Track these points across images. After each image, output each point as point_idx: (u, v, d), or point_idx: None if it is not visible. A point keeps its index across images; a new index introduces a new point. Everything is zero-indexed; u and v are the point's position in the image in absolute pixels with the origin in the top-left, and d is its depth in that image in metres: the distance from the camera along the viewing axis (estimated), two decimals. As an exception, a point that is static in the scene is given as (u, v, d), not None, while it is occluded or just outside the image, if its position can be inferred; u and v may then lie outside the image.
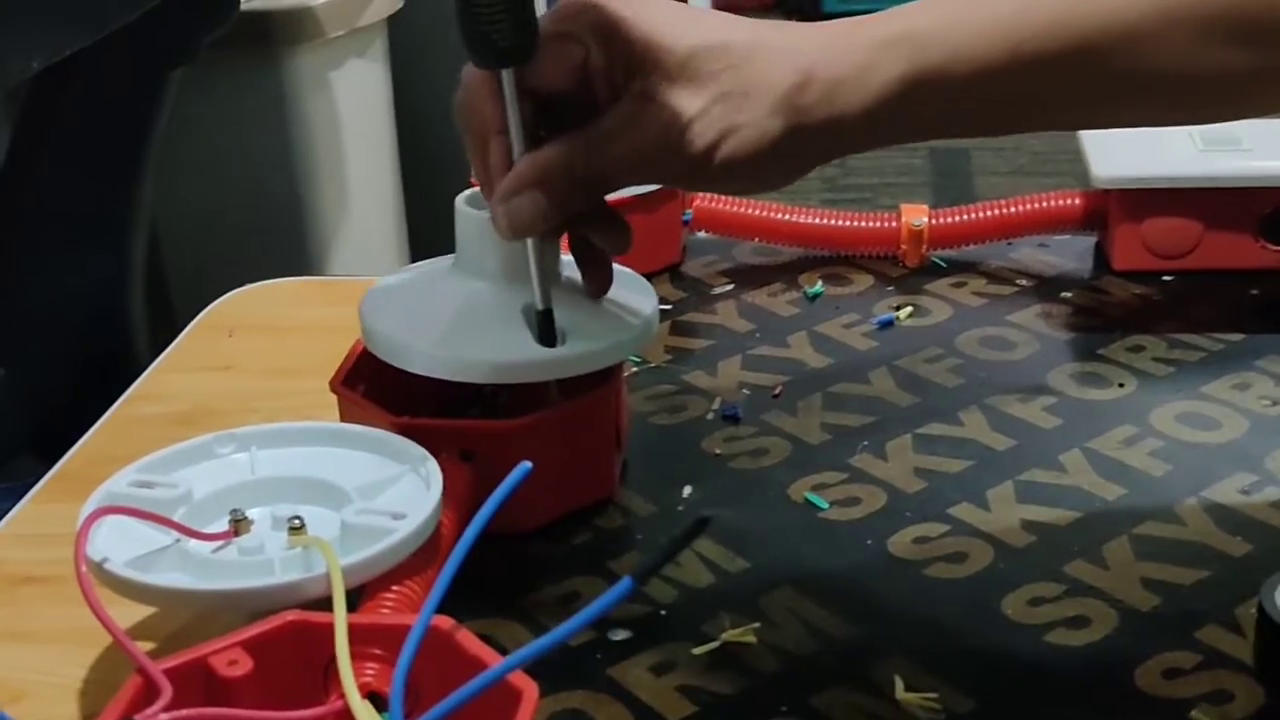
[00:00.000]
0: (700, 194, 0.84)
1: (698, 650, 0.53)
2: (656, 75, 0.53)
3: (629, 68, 0.54)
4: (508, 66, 0.54)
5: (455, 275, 0.61)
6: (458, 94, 0.57)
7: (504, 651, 0.49)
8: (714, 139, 0.53)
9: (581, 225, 0.58)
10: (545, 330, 0.58)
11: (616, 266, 0.64)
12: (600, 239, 0.59)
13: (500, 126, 0.55)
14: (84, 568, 0.47)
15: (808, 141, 0.54)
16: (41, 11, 0.94)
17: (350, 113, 1.76)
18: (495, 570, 0.58)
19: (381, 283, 0.64)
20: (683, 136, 0.53)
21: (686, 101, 0.53)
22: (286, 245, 1.73)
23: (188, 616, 0.56)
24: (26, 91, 1.21)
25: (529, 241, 0.57)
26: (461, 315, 0.59)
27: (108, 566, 0.49)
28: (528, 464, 0.46)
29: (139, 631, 0.55)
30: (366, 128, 1.80)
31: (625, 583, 0.37)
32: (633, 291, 0.63)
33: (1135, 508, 0.60)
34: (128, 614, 0.52)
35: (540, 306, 0.58)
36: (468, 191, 0.62)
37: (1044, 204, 0.82)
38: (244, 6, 1.42)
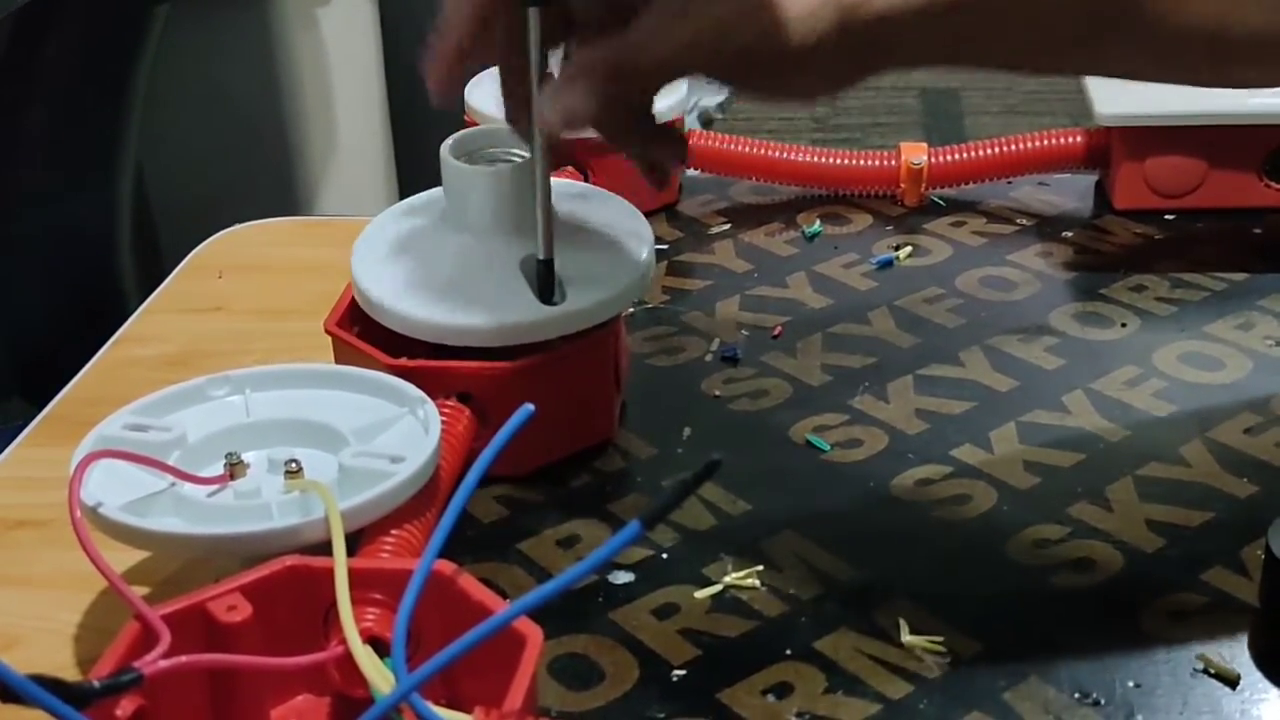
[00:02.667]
0: (696, 132, 0.83)
1: (700, 594, 0.52)
2: None
3: None
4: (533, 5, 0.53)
5: (445, 229, 0.60)
6: None
7: (504, 595, 0.49)
8: (759, 33, 0.50)
9: (641, 141, 0.57)
10: (546, 282, 0.57)
11: (615, 197, 0.64)
12: (661, 152, 0.58)
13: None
14: (78, 512, 0.46)
15: (858, 37, 0.50)
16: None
17: (338, 49, 1.73)
18: (493, 513, 0.57)
19: (370, 232, 0.63)
20: (727, 34, 0.51)
21: None
22: (274, 184, 1.71)
23: (182, 561, 0.55)
24: (10, 28, 1.19)
25: (537, 186, 0.56)
26: (456, 274, 0.59)
27: (102, 511, 0.48)
28: (530, 406, 0.45)
29: (133, 576, 0.54)
30: (354, 64, 1.78)
31: (634, 526, 0.37)
32: (629, 230, 0.62)
33: (1139, 449, 0.60)
34: (121, 559, 0.51)
35: (542, 256, 0.57)
36: (451, 139, 0.61)
37: (1045, 142, 0.81)
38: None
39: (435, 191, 0.63)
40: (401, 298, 0.58)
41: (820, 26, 0.50)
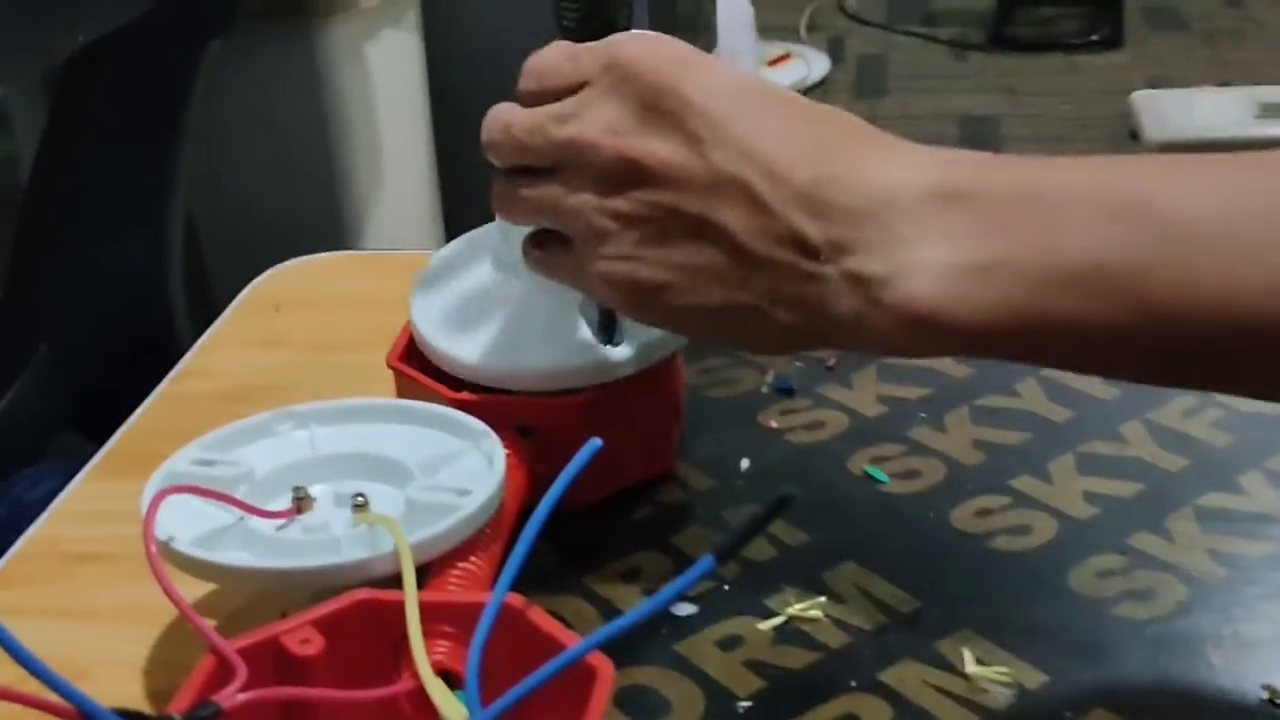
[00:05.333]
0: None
1: (763, 625, 0.52)
2: None
3: None
4: None
5: (501, 270, 0.61)
6: None
7: (569, 628, 0.49)
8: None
9: None
10: (607, 322, 0.57)
11: None
12: None
13: None
14: (154, 547, 0.47)
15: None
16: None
17: (384, 84, 1.75)
18: (556, 546, 0.58)
19: (427, 274, 0.63)
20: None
21: None
22: (321, 218, 1.73)
23: (246, 595, 0.55)
24: (64, 68, 1.21)
25: None
26: (515, 319, 0.59)
27: (174, 545, 0.49)
28: (598, 441, 0.46)
29: (199, 610, 0.54)
30: (400, 99, 1.80)
31: (707, 560, 0.37)
32: None
33: (1198, 479, 0.60)
34: (186, 592, 0.52)
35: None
36: None
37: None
38: (277, -23, 1.42)
39: (484, 229, 0.64)
40: (463, 344, 0.59)
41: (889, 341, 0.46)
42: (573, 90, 0.49)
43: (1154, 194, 0.43)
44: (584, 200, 0.48)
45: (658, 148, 0.46)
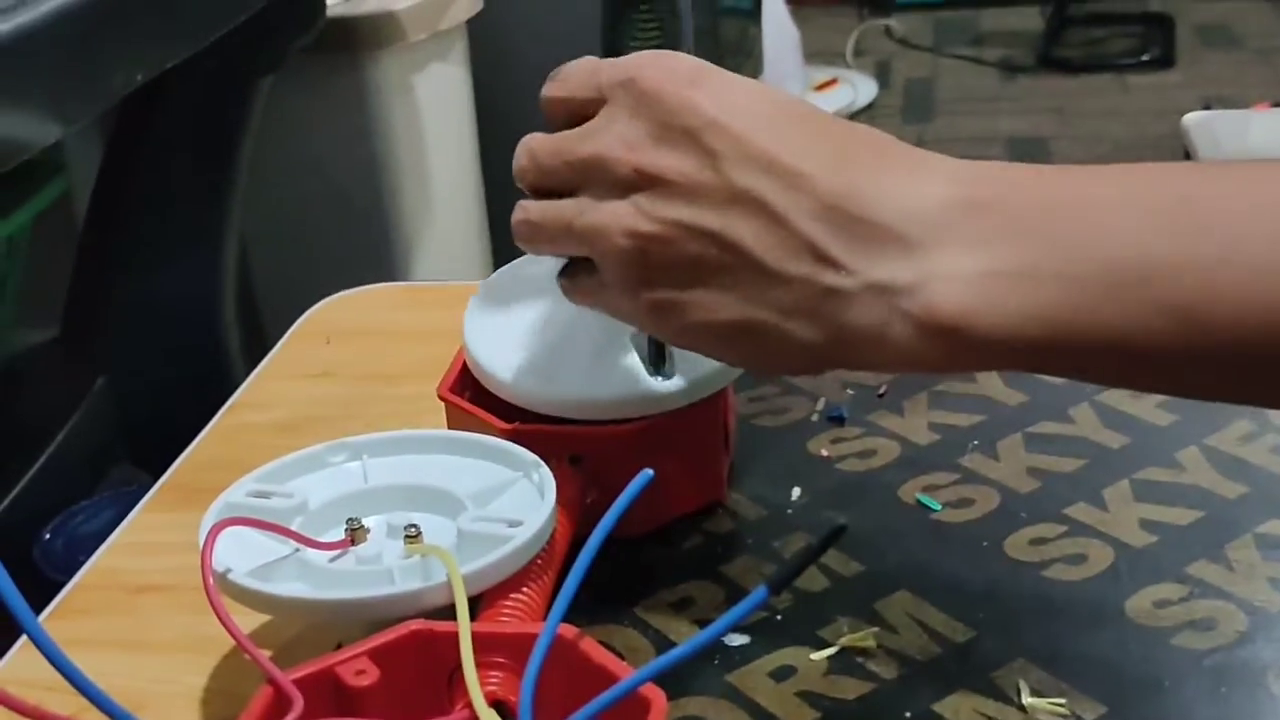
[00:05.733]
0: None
1: (816, 655, 0.52)
2: None
3: None
4: None
5: (556, 298, 0.61)
6: None
7: (621, 658, 0.49)
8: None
9: None
10: (658, 354, 0.57)
11: None
12: None
13: None
14: (211, 579, 0.48)
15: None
16: (146, 26, 0.96)
17: (433, 116, 1.77)
18: (607, 575, 0.57)
19: (481, 300, 0.63)
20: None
21: None
22: (371, 250, 1.74)
23: (301, 625, 0.56)
24: (121, 103, 1.23)
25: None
26: (568, 347, 0.59)
27: (231, 577, 0.49)
28: (649, 471, 0.46)
29: (254, 640, 0.55)
30: (449, 131, 1.81)
31: (761, 591, 0.37)
32: None
33: (1258, 506, 0.59)
34: (242, 623, 0.52)
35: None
36: None
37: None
38: (328, 13, 1.44)
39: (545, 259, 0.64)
40: (520, 373, 0.59)
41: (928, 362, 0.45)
42: (592, 105, 0.49)
43: (1189, 196, 0.42)
44: (601, 218, 0.47)
45: (674, 163, 0.46)
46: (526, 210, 0.51)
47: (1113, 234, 0.42)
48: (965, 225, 0.43)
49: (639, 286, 0.47)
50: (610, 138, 0.47)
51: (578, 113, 0.50)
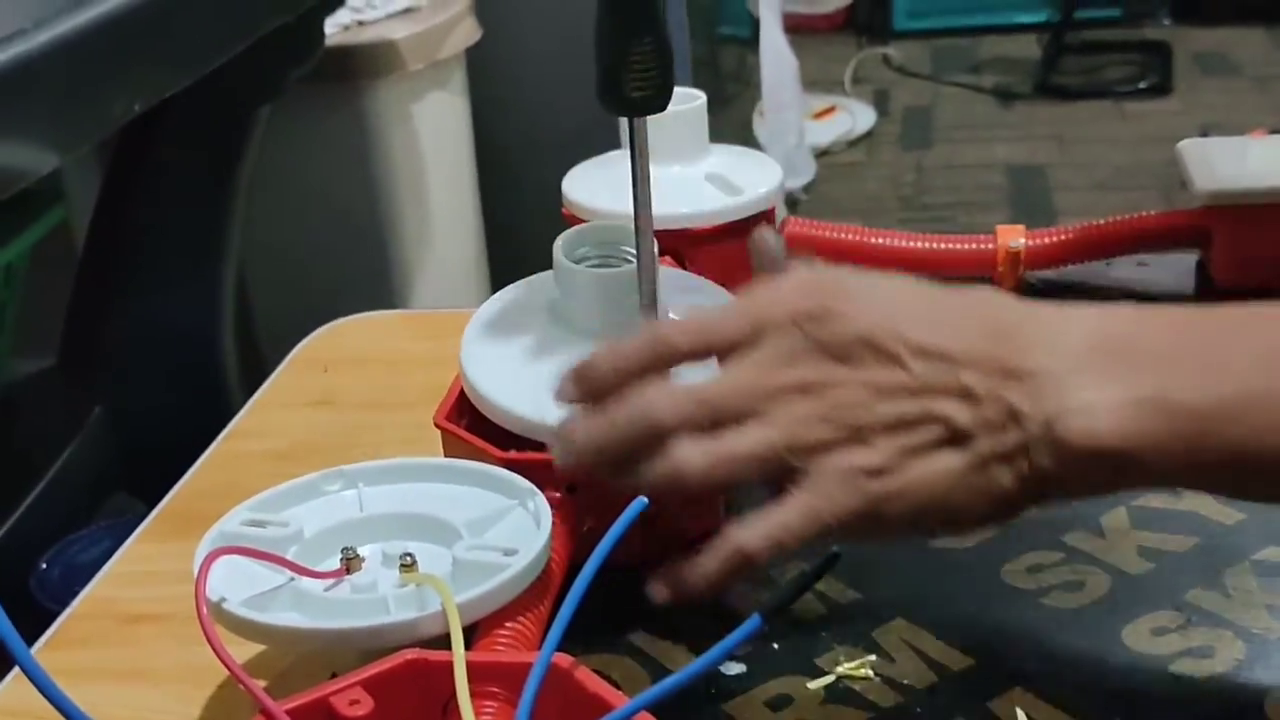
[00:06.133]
0: (793, 219, 0.84)
1: (813, 685, 0.52)
2: None
3: None
4: (641, 116, 0.55)
5: (554, 324, 0.61)
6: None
7: (617, 687, 0.49)
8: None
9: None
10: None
11: (719, 289, 0.64)
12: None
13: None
14: (205, 609, 0.47)
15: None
16: (144, 55, 0.96)
17: (431, 144, 1.77)
18: (602, 605, 0.57)
19: (478, 326, 0.63)
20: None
21: None
22: (369, 277, 1.74)
23: (297, 655, 0.56)
24: (119, 132, 1.23)
25: (643, 297, 0.58)
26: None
27: (225, 606, 0.49)
28: (644, 499, 0.46)
29: (249, 670, 0.55)
30: (447, 159, 1.82)
31: (754, 620, 0.37)
32: (704, 293, 0.62)
33: (1256, 533, 0.59)
34: (237, 652, 0.52)
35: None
36: (563, 237, 0.62)
37: (1143, 221, 0.81)
38: (327, 42, 1.44)
39: (539, 278, 0.64)
40: (517, 400, 0.59)
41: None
42: (746, 342, 0.50)
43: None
44: (815, 434, 0.49)
45: (870, 376, 0.49)
46: (718, 447, 0.49)
47: (1236, 366, 0.47)
48: (1106, 361, 0.48)
49: (862, 479, 0.49)
50: (808, 365, 0.49)
51: (726, 351, 0.51)
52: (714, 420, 0.50)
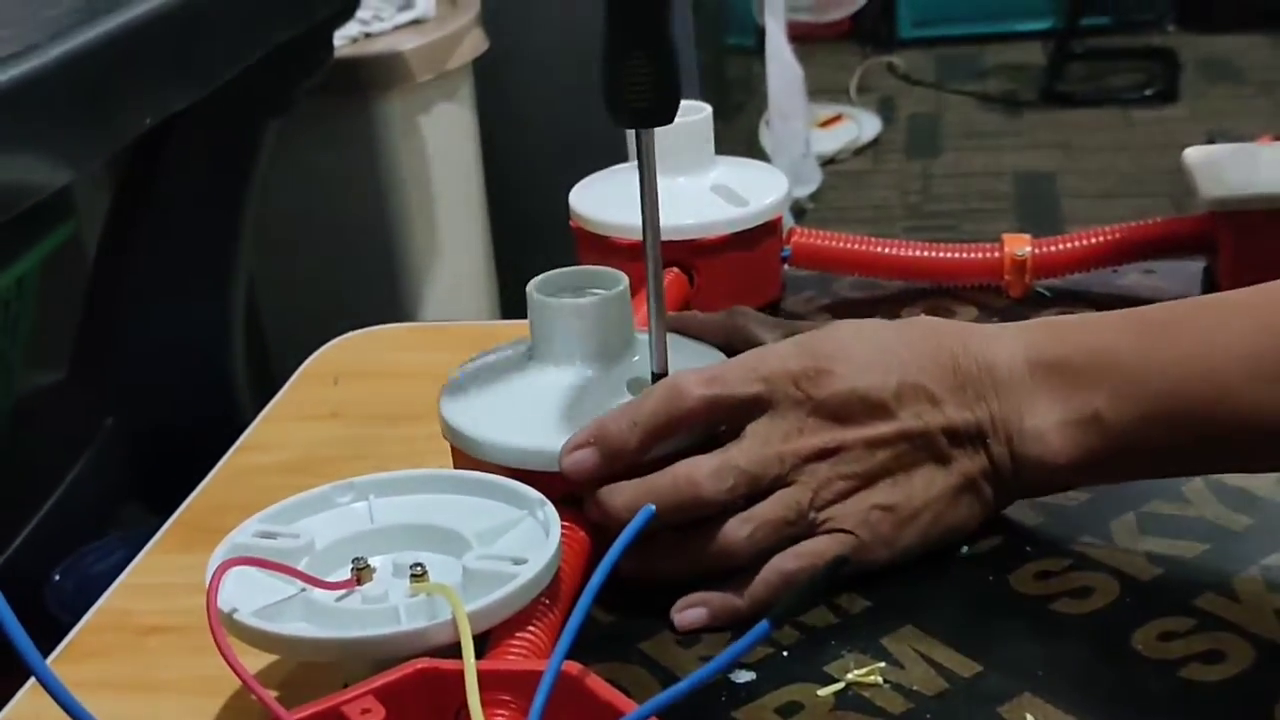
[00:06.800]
0: (800, 229, 0.84)
1: (823, 692, 0.52)
2: None
3: None
4: (646, 128, 0.56)
5: (534, 364, 0.61)
6: None
7: (628, 695, 0.49)
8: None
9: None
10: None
11: (681, 343, 0.64)
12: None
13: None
14: (216, 619, 0.48)
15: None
16: (154, 70, 0.97)
17: (440, 156, 1.78)
18: (612, 613, 0.58)
19: (456, 380, 0.63)
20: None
21: None
22: (378, 289, 1.75)
23: (308, 665, 0.56)
24: (130, 146, 1.24)
25: (651, 300, 0.58)
26: (553, 406, 0.59)
27: (237, 617, 0.49)
28: (651, 507, 0.46)
29: (260, 680, 0.55)
30: (456, 170, 1.82)
31: (762, 626, 0.37)
32: (701, 356, 0.63)
33: (1265, 538, 0.59)
34: (248, 663, 0.52)
35: (657, 369, 0.59)
36: (538, 279, 0.62)
37: (1149, 229, 0.81)
38: (336, 54, 1.45)
39: (506, 344, 0.65)
40: (502, 431, 0.59)
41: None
42: (756, 404, 0.57)
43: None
44: (842, 484, 0.57)
45: (868, 432, 0.57)
46: (760, 516, 0.56)
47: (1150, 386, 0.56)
48: (1041, 384, 0.57)
49: (875, 515, 0.57)
50: (815, 432, 0.57)
51: (736, 409, 0.57)
52: (750, 490, 0.56)
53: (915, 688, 0.52)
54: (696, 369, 0.58)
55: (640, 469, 0.56)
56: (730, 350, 0.62)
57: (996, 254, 0.81)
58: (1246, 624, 0.54)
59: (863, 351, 0.57)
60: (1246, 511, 0.61)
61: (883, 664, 0.53)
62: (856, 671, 0.53)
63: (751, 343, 0.62)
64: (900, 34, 3.93)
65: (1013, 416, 0.57)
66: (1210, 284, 0.81)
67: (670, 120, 0.56)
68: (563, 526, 0.54)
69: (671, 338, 0.63)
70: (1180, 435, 0.55)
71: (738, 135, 2.55)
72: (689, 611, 0.56)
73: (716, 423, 0.58)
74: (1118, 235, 0.81)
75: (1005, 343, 0.58)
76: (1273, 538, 0.59)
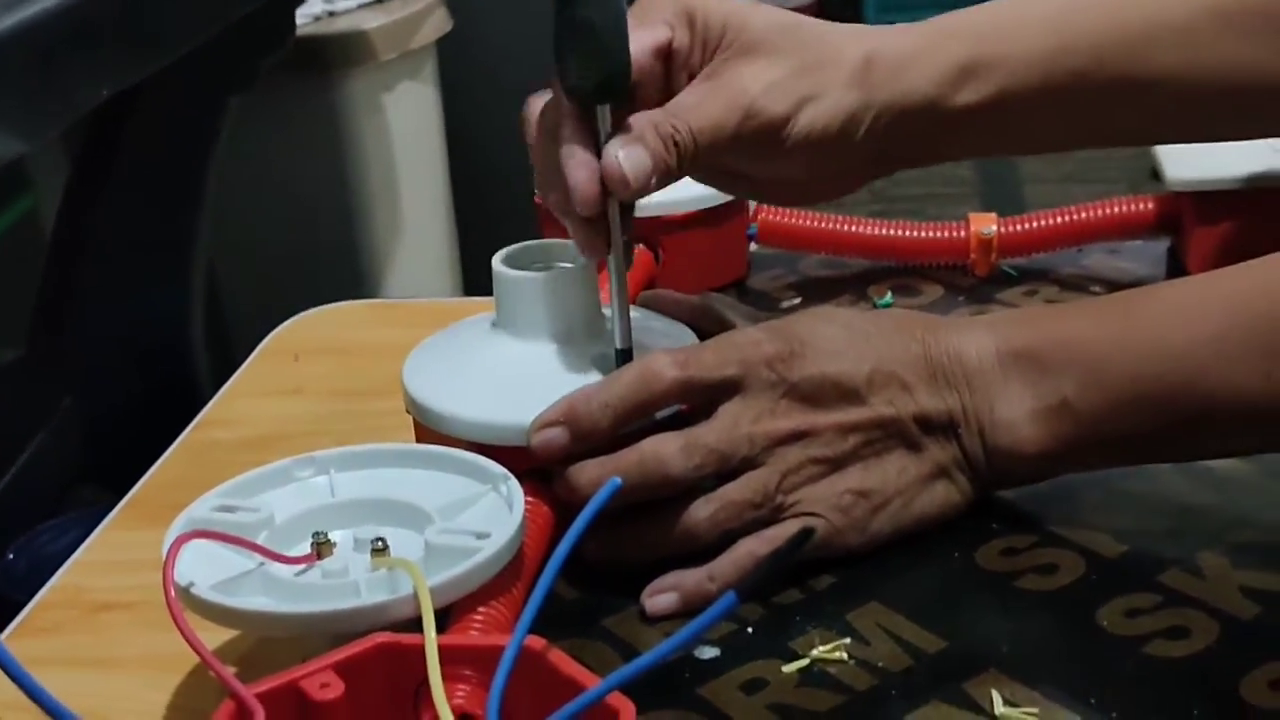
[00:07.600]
0: (766, 207, 0.84)
1: (787, 668, 0.52)
2: (733, 50, 0.58)
3: (707, 46, 0.59)
4: (604, 104, 0.56)
5: (500, 337, 0.61)
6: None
7: (591, 670, 0.49)
8: (790, 108, 0.58)
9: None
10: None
11: (652, 319, 0.63)
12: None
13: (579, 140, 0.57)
14: (172, 593, 0.47)
15: (875, 122, 0.59)
16: (111, 39, 0.95)
17: (402, 134, 1.77)
18: (576, 589, 0.57)
19: (420, 353, 0.62)
20: (759, 105, 0.57)
21: (764, 72, 0.57)
22: (340, 268, 1.74)
23: (268, 640, 0.55)
24: (88, 120, 1.22)
25: (612, 276, 0.57)
26: (517, 380, 0.59)
27: (194, 591, 0.48)
28: (617, 480, 0.45)
29: (219, 655, 0.54)
30: (418, 149, 1.81)
31: (729, 598, 0.37)
32: (672, 334, 0.62)
33: (1229, 515, 0.59)
34: (207, 638, 0.52)
35: (620, 345, 0.58)
36: (503, 252, 0.62)
37: (1115, 209, 0.81)
38: (299, 31, 1.43)
39: (468, 320, 0.64)
40: (470, 405, 0.58)
41: (847, 102, 0.60)
42: (729, 385, 0.56)
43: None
44: (812, 468, 0.56)
45: (840, 417, 0.57)
46: (723, 497, 0.56)
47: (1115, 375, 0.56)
48: (1012, 373, 0.57)
49: (846, 499, 0.57)
50: (788, 413, 0.56)
51: (709, 391, 0.56)
52: (719, 468, 0.56)
53: (880, 664, 0.52)
54: (669, 350, 0.57)
55: (608, 445, 0.56)
56: (701, 331, 0.62)
57: (963, 233, 0.81)
58: (1211, 600, 0.54)
59: (836, 338, 0.57)
60: (1211, 489, 0.61)
61: (848, 640, 0.53)
62: (821, 648, 0.52)
63: (723, 325, 0.62)
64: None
65: (984, 407, 0.57)
66: (1175, 264, 0.81)
67: (616, 98, 0.55)
68: (526, 501, 0.53)
69: (645, 315, 0.62)
70: (1152, 420, 0.55)
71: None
72: (660, 597, 0.55)
73: (688, 404, 0.57)
74: (1083, 215, 0.81)
75: (976, 334, 0.58)
76: (1237, 513, 0.59)
